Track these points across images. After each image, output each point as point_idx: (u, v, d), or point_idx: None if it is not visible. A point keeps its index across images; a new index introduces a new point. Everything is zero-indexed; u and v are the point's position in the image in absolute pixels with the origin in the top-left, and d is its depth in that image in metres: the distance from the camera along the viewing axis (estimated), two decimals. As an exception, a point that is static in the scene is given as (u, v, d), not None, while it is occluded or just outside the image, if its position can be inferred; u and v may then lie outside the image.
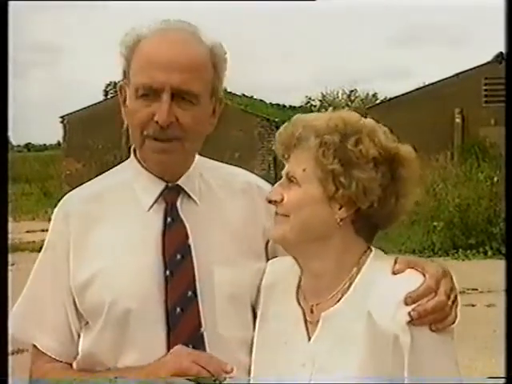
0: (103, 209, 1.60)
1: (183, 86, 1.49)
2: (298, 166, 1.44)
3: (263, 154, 22.15)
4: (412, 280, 1.36)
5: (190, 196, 1.60)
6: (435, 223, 11.28)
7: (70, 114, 24.54)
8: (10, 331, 1.62)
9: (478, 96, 20.09)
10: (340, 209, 1.42)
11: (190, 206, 1.60)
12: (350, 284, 1.43)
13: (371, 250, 1.46)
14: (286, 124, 1.49)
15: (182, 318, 1.52)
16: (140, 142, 1.55)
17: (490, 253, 10.70)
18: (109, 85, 50.32)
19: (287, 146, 1.47)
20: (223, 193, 1.66)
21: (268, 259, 1.65)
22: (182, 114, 1.51)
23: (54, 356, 1.60)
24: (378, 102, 28.03)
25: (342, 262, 1.44)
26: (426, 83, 21.95)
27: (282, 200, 1.45)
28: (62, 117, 24.64)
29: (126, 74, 1.57)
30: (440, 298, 1.34)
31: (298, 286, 1.52)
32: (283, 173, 1.48)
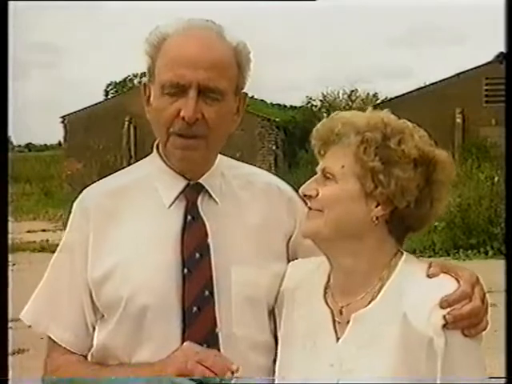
0: (124, 204, 1.61)
1: (209, 82, 1.51)
2: (335, 163, 1.44)
3: (264, 154, 22.15)
4: (447, 284, 1.37)
5: (210, 195, 1.61)
6: (436, 223, 11.27)
7: (71, 114, 24.55)
8: (27, 321, 1.64)
9: (479, 96, 20.09)
10: (376, 207, 1.42)
11: (210, 204, 1.61)
12: (382, 286, 1.43)
13: (402, 253, 1.47)
14: (324, 120, 1.49)
15: (198, 316, 1.52)
16: (165, 138, 1.56)
17: (490, 253, 10.69)
18: (109, 85, 50.34)
19: (325, 142, 1.47)
20: (244, 193, 1.66)
21: (289, 261, 1.65)
22: (207, 111, 1.52)
23: (68, 348, 1.61)
24: (378, 101, 28.00)
25: (374, 262, 1.44)
26: (427, 83, 21.98)
27: (317, 195, 1.44)
28: (62, 117, 24.65)
29: (150, 72, 1.58)
30: (475, 304, 1.35)
31: (326, 287, 1.51)
32: (318, 169, 1.48)
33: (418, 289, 1.38)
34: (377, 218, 1.42)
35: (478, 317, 1.36)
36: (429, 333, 1.32)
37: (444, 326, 1.32)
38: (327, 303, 1.49)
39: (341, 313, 1.46)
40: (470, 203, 11.46)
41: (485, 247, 10.94)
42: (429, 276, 1.40)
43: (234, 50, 1.56)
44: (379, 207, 1.41)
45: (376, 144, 1.41)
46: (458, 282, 1.37)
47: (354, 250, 1.43)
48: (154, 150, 1.66)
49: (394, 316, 1.37)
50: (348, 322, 1.43)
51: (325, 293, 1.51)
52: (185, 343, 1.48)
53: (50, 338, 1.63)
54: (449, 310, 1.33)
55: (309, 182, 1.48)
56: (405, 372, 1.35)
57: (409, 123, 1.46)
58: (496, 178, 11.96)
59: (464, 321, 1.33)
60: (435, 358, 1.32)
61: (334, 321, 1.47)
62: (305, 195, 1.47)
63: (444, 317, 1.32)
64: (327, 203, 1.43)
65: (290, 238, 1.67)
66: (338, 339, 1.44)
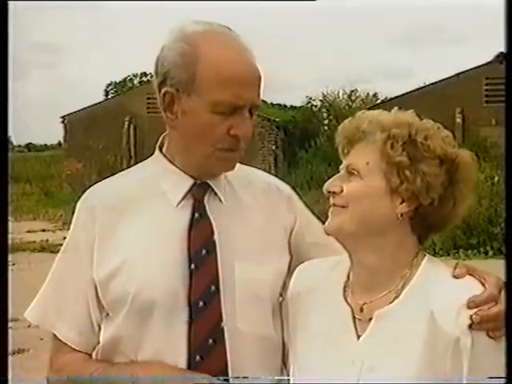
0: (130, 203, 1.62)
1: (258, 101, 1.57)
2: (360, 160, 1.45)
3: (264, 154, 22.14)
4: (473, 286, 1.38)
5: (216, 194, 1.64)
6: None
7: (71, 114, 24.53)
8: (32, 319, 1.65)
9: (479, 96, 20.08)
10: (401, 203, 1.42)
11: (215, 203, 1.63)
12: (404, 284, 1.43)
13: (424, 254, 1.47)
14: (349, 118, 1.50)
15: (205, 311, 1.54)
16: (209, 152, 1.57)
17: (490, 253, 10.70)
18: (109, 85, 50.36)
19: (350, 140, 1.48)
20: (245, 193, 1.70)
21: (291, 257, 1.68)
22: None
23: (73, 346, 1.62)
24: (378, 101, 27.98)
25: (397, 260, 1.44)
26: (427, 83, 21.97)
27: (342, 191, 1.45)
28: (62, 117, 24.64)
29: (186, 84, 1.54)
30: (501, 307, 1.36)
31: (345, 285, 1.52)
32: (342, 167, 1.48)
33: (444, 288, 1.39)
34: (401, 215, 1.42)
35: (503, 320, 1.36)
36: (456, 332, 1.33)
37: (470, 326, 1.33)
38: (347, 301, 1.50)
39: (361, 310, 1.46)
40: (470, 203, 11.45)
41: (485, 247, 10.94)
42: (455, 276, 1.40)
43: (254, 57, 1.59)
44: (404, 204, 1.42)
45: (403, 140, 1.42)
46: (484, 285, 1.38)
47: (378, 247, 1.44)
48: (157, 151, 1.68)
49: (420, 314, 1.38)
50: (370, 319, 1.44)
51: (344, 291, 1.51)
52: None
53: (54, 336, 1.64)
54: (476, 310, 1.33)
55: (332, 178, 1.48)
56: (428, 371, 1.35)
57: (433, 123, 1.47)
58: (496, 178, 11.96)
59: (490, 322, 1.34)
60: (461, 357, 1.33)
61: (354, 318, 1.47)
62: (329, 192, 1.47)
63: (470, 317, 1.33)
64: (352, 199, 1.43)
65: (290, 234, 1.70)
66: (358, 337, 1.45)
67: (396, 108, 1.51)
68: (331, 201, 1.48)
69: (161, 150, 1.68)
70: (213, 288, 1.56)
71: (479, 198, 11.55)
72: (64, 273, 1.64)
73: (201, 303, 1.54)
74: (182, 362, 1.53)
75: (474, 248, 11.03)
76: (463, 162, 1.44)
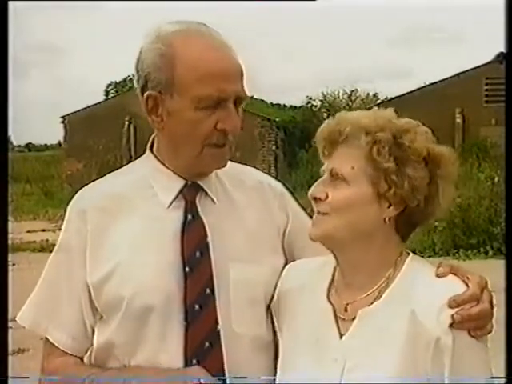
0: (121, 205, 1.61)
1: (242, 93, 1.55)
2: (344, 164, 1.43)
3: (264, 154, 22.15)
4: (456, 285, 1.38)
5: (207, 194, 1.62)
6: (436, 223, 11.26)
7: (71, 114, 24.54)
8: (24, 323, 1.64)
9: (479, 96, 20.09)
10: (389, 207, 1.42)
11: (207, 204, 1.62)
12: (388, 283, 1.43)
13: (408, 253, 1.48)
14: (329, 120, 1.49)
15: (200, 314, 1.54)
16: (199, 149, 1.55)
17: (490, 253, 10.69)
18: (109, 85, 50.35)
19: (331, 143, 1.46)
20: (237, 192, 1.68)
21: (285, 256, 1.67)
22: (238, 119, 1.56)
23: (66, 350, 1.60)
24: (378, 101, 28.00)
25: (381, 259, 1.45)
26: (427, 83, 21.97)
27: (326, 198, 1.44)
28: (62, 117, 24.64)
29: (167, 85, 1.53)
30: (484, 306, 1.37)
31: (330, 285, 1.52)
32: (324, 169, 1.47)
33: (426, 287, 1.39)
34: (389, 219, 1.43)
35: (485, 319, 1.37)
36: (437, 331, 1.33)
37: (451, 326, 1.33)
38: (330, 300, 1.50)
39: (345, 309, 1.47)
40: (470, 203, 11.45)
41: (485, 247, 10.93)
42: (438, 275, 1.40)
43: (233, 51, 1.57)
44: (391, 207, 1.42)
45: (389, 144, 1.41)
46: (467, 284, 1.38)
47: (363, 248, 1.44)
48: (148, 151, 1.66)
49: (402, 313, 1.38)
50: (353, 318, 1.44)
51: (328, 291, 1.52)
52: (195, 367, 1.50)
53: (46, 339, 1.63)
54: (457, 309, 1.34)
55: (316, 184, 1.47)
56: (410, 369, 1.35)
57: (412, 120, 1.47)
58: (496, 178, 11.94)
59: (471, 322, 1.34)
60: (442, 356, 1.33)
61: (336, 317, 1.47)
62: (314, 198, 1.46)
63: (452, 316, 1.33)
64: (339, 206, 1.42)
65: (284, 233, 1.69)
66: (341, 335, 1.45)
67: (375, 108, 1.51)
68: (315, 207, 1.47)
69: (151, 150, 1.66)
70: (207, 291, 1.54)
71: (479, 198, 11.56)
72: (56, 276, 1.63)
73: (196, 306, 1.53)
74: (179, 366, 1.52)
75: (474, 248, 11.01)
76: (444, 157, 1.44)
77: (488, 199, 11.54)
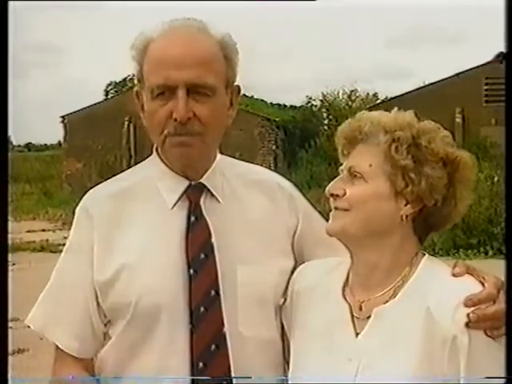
0: (127, 207, 1.60)
1: (197, 80, 1.50)
2: (363, 162, 1.44)
3: (264, 154, 22.13)
4: (472, 284, 1.38)
5: (212, 194, 1.61)
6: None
7: (71, 113, 24.53)
8: (33, 327, 1.64)
9: (479, 96, 20.08)
10: (406, 205, 1.43)
11: (212, 204, 1.60)
12: (403, 282, 1.44)
13: (423, 253, 1.48)
14: (350, 119, 1.50)
15: (206, 317, 1.53)
16: (161, 141, 1.56)
17: (490, 253, 10.69)
18: (109, 85, 50.31)
19: (351, 141, 1.48)
20: (245, 191, 1.66)
21: (295, 258, 1.65)
22: (199, 108, 1.51)
23: (74, 354, 1.60)
24: (378, 101, 27.97)
25: (397, 259, 1.45)
26: (427, 83, 21.96)
27: (344, 194, 1.45)
28: (62, 117, 24.64)
29: (139, 77, 1.58)
30: (500, 306, 1.36)
31: (345, 284, 1.52)
32: (343, 168, 1.48)
33: (442, 286, 1.39)
34: (406, 217, 1.43)
35: (501, 320, 1.36)
36: (452, 330, 1.33)
37: (467, 325, 1.33)
38: (345, 299, 1.50)
39: (360, 308, 1.46)
40: (470, 203, 11.45)
41: (485, 247, 10.94)
42: (454, 275, 1.41)
43: (219, 43, 1.56)
44: (408, 205, 1.43)
45: (407, 142, 1.42)
46: (483, 284, 1.38)
47: (380, 246, 1.45)
48: (154, 152, 1.66)
49: (417, 312, 1.38)
50: (368, 317, 1.44)
51: (343, 290, 1.52)
52: None
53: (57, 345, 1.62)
54: (473, 309, 1.34)
55: (334, 181, 1.48)
56: (426, 368, 1.35)
57: (432, 123, 1.48)
58: (496, 178, 11.95)
59: (487, 322, 1.34)
60: (458, 355, 1.33)
61: (352, 316, 1.47)
62: (331, 194, 1.47)
63: (468, 315, 1.33)
64: (356, 203, 1.43)
65: (294, 235, 1.67)
66: (357, 334, 1.45)
67: (396, 108, 1.51)
68: (333, 203, 1.47)
69: (157, 150, 1.65)
70: (213, 293, 1.53)
71: (479, 198, 11.55)
72: (64, 280, 1.62)
73: (202, 309, 1.52)
74: (185, 369, 1.52)
75: (474, 248, 11.02)
76: (463, 162, 1.45)
77: (488, 199, 11.54)
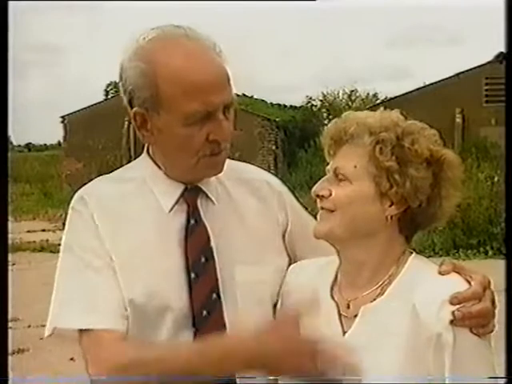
0: (123, 210, 1.57)
1: (230, 99, 1.51)
2: (348, 163, 1.45)
3: (263, 154, 22.13)
4: (458, 282, 1.39)
5: (207, 196, 1.61)
6: (436, 223, 11.25)
7: (71, 113, 24.52)
8: (58, 326, 1.52)
9: (479, 96, 20.07)
10: (390, 206, 1.44)
11: (208, 206, 1.60)
12: (390, 281, 1.45)
13: (411, 252, 1.49)
14: (335, 120, 1.50)
15: (208, 320, 1.52)
16: (195, 162, 1.53)
17: (490, 253, 10.68)
18: (109, 85, 50.29)
19: (336, 142, 1.48)
20: (237, 191, 1.66)
21: (288, 255, 1.66)
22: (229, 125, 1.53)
23: (123, 328, 1.49)
24: (378, 101, 28.01)
25: (384, 258, 1.46)
26: (427, 83, 21.95)
27: (330, 195, 1.46)
28: (62, 117, 24.63)
29: (151, 102, 1.49)
30: (485, 304, 1.37)
31: (333, 284, 1.53)
32: (329, 168, 1.49)
33: (428, 284, 1.40)
34: (391, 217, 1.44)
35: (487, 318, 1.37)
36: (437, 327, 1.34)
37: (452, 322, 1.33)
38: (333, 298, 1.51)
39: (348, 307, 1.47)
40: (470, 203, 11.45)
41: (485, 247, 10.93)
42: (440, 273, 1.41)
43: (217, 54, 1.53)
44: (393, 206, 1.44)
45: (392, 144, 1.42)
46: (469, 282, 1.38)
47: (366, 246, 1.46)
48: (145, 153, 1.64)
49: (404, 310, 1.39)
50: (355, 316, 1.45)
51: (331, 289, 1.53)
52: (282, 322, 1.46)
53: (81, 333, 1.49)
54: (458, 306, 1.34)
55: (320, 181, 1.49)
56: (412, 366, 1.36)
57: (418, 123, 1.48)
58: (496, 178, 11.95)
59: (472, 319, 1.34)
60: (443, 352, 1.33)
61: (339, 315, 1.48)
62: (317, 195, 1.48)
63: (453, 313, 1.34)
64: (341, 203, 1.44)
65: (285, 232, 1.68)
66: (344, 333, 1.45)
67: (382, 108, 1.51)
68: (319, 204, 1.48)
69: (148, 152, 1.63)
70: (214, 296, 1.54)
71: (479, 198, 11.56)
72: (79, 270, 1.52)
73: (204, 312, 1.52)
74: None
75: (474, 248, 11.01)
76: (448, 161, 1.45)
77: (488, 199, 11.54)
